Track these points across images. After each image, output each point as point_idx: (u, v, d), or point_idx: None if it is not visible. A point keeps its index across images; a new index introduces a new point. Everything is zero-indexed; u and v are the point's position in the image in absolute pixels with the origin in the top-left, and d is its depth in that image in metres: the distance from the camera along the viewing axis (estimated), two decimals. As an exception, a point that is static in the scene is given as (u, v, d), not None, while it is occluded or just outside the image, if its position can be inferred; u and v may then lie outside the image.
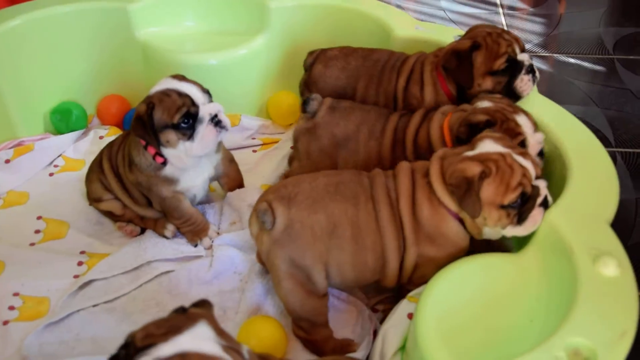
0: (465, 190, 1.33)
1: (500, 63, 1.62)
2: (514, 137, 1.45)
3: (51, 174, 1.98)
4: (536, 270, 1.32)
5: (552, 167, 1.51)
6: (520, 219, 1.34)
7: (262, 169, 1.98)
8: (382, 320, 1.47)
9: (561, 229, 1.29)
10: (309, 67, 1.92)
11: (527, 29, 2.93)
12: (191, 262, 1.67)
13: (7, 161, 1.92)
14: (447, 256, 1.39)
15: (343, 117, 1.71)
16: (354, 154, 1.70)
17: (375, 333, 1.46)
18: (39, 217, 1.82)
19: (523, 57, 1.64)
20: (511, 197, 1.31)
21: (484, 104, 1.54)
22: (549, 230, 1.32)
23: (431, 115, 1.63)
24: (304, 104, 1.72)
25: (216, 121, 1.57)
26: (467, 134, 1.46)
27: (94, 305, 1.56)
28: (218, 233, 1.76)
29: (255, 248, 1.62)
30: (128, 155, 1.66)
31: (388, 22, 2.00)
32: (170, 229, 1.75)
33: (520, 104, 1.64)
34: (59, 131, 2.11)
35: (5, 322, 1.51)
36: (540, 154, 1.49)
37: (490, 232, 1.40)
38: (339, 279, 1.46)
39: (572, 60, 2.69)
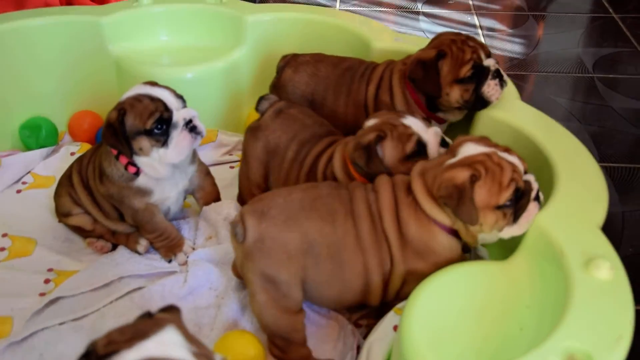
0: (459, 199, 1.30)
1: (466, 70, 1.62)
2: (409, 140, 1.47)
3: (19, 191, 1.93)
4: (526, 277, 1.30)
5: (539, 172, 1.48)
6: (517, 216, 1.31)
7: (240, 184, 1.95)
8: (365, 336, 1.43)
9: (551, 233, 1.27)
10: (279, 71, 1.92)
11: (507, 49, 2.97)
12: (165, 278, 1.61)
13: (-27, 177, 1.88)
14: (436, 269, 1.36)
15: (282, 126, 1.71)
16: (277, 170, 1.70)
17: (358, 348, 1.42)
18: (4, 235, 1.76)
19: (489, 62, 1.64)
20: (506, 195, 1.29)
21: (370, 122, 1.55)
22: (539, 235, 1.30)
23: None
24: (258, 102, 1.73)
25: (191, 127, 1.54)
26: (364, 157, 1.47)
27: (61, 324, 1.48)
28: (193, 248, 1.71)
29: (232, 262, 1.59)
30: (99, 166, 1.61)
31: (367, 34, 2.01)
32: (143, 244, 1.70)
33: (502, 111, 1.66)
34: (28, 147, 2.08)
35: (-37, 344, 1.45)
36: (443, 144, 1.51)
37: (486, 237, 1.38)
38: (318, 298, 1.44)
39: (552, 79, 2.70)
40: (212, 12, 2.17)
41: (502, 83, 1.64)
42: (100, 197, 1.66)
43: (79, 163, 1.71)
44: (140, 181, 1.58)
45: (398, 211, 1.38)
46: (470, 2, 3.52)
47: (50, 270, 1.66)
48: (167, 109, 1.51)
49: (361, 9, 3.35)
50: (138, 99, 1.52)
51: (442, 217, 1.35)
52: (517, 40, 3.07)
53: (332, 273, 1.38)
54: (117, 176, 1.58)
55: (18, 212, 1.84)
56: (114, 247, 1.74)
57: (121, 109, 1.50)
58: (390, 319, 1.39)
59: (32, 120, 2.08)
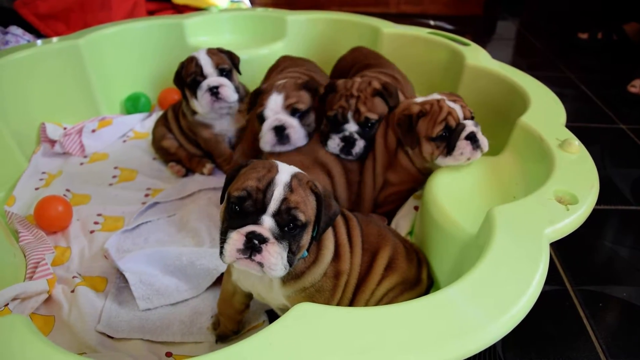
0: (408, 125, 1.37)
1: None
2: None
3: (125, 141, 2.06)
4: (512, 164, 1.38)
5: (518, 98, 1.57)
6: (449, 149, 1.34)
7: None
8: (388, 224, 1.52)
9: (531, 127, 1.36)
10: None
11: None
12: (233, 189, 1.74)
13: (93, 131, 1.99)
14: (400, 182, 1.46)
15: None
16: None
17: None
18: (116, 167, 1.89)
19: None
20: (436, 130, 1.34)
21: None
22: (522, 132, 1.38)
23: None
24: None
25: (214, 92, 1.62)
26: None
27: (158, 219, 1.61)
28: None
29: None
30: (182, 108, 1.77)
31: (376, 25, 2.12)
32: (208, 167, 1.80)
33: (487, 64, 1.73)
34: (130, 113, 2.19)
35: (92, 232, 1.57)
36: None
37: (431, 165, 1.42)
38: None
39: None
40: (262, 15, 2.29)
41: None
42: (185, 128, 1.80)
43: (172, 107, 1.86)
44: (198, 117, 1.71)
45: (386, 133, 1.46)
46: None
47: (148, 188, 1.78)
48: (201, 73, 1.62)
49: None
50: (191, 59, 1.64)
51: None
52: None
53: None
54: (189, 113, 1.73)
55: (125, 154, 1.97)
56: (186, 173, 1.84)
57: (181, 64, 1.65)
58: (410, 202, 1.49)
59: (133, 94, 2.19)
